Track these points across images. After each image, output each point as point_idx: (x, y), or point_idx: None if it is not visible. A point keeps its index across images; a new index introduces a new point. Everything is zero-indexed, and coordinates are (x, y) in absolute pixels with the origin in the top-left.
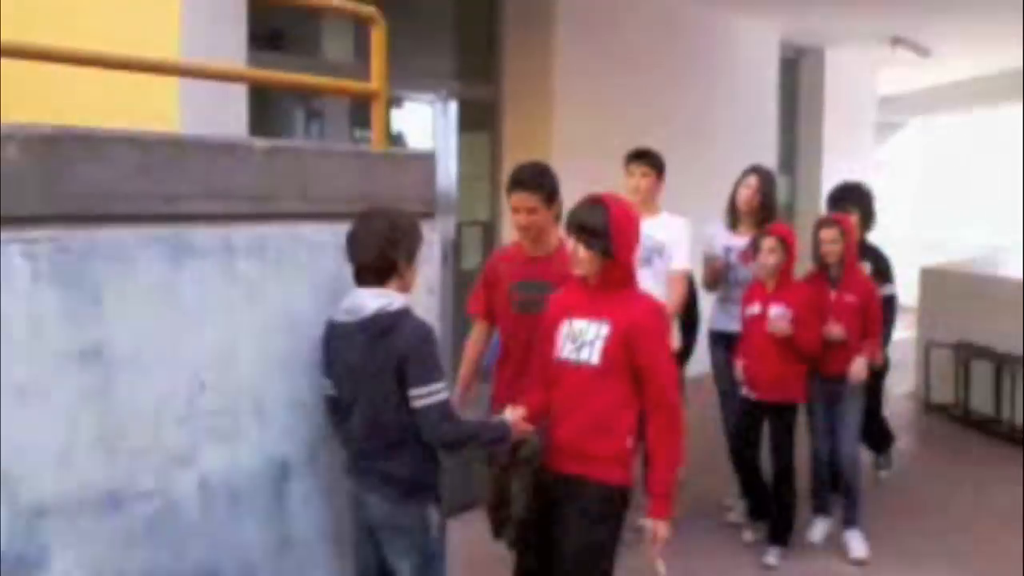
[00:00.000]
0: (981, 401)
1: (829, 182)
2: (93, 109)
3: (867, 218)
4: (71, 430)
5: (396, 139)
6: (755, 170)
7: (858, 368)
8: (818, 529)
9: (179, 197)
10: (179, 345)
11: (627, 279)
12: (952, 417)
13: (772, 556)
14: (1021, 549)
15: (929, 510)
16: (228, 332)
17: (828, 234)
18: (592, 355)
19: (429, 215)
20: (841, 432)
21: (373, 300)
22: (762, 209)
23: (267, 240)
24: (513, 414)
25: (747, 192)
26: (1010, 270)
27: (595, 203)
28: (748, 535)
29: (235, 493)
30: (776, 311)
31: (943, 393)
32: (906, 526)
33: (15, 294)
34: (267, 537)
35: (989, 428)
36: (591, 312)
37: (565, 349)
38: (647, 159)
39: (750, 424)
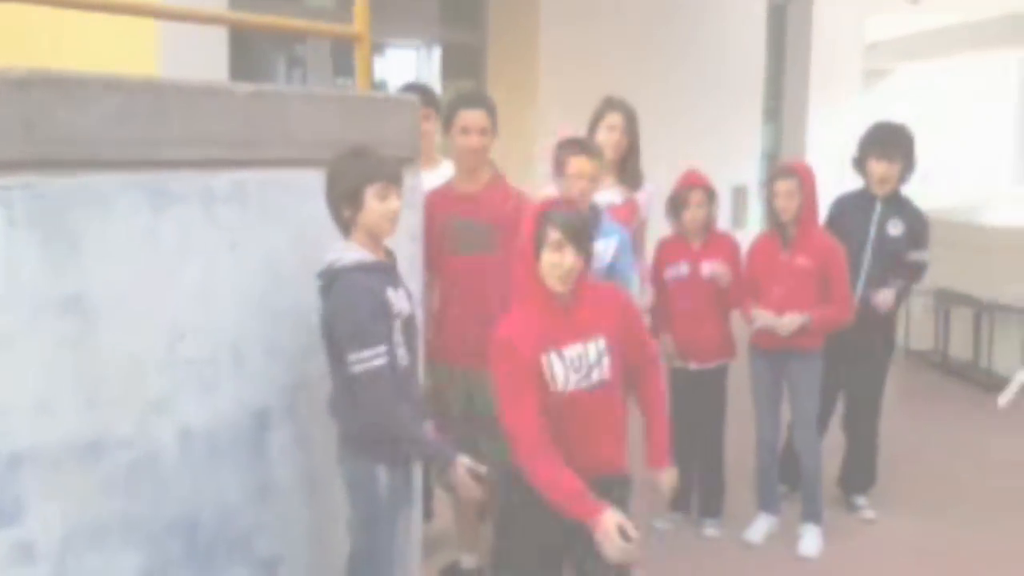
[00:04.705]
0: (960, 348)
1: (814, 130)
2: (71, 54)
3: (909, 168)
4: (49, 379)
5: (379, 87)
6: (616, 106)
7: (759, 318)
8: (759, 527)
9: (159, 142)
10: (159, 292)
11: (584, 271)
12: (931, 364)
13: (712, 527)
14: (992, 495)
15: (905, 456)
16: (208, 279)
17: (784, 186)
18: (603, 373)
19: (413, 160)
20: (794, 413)
21: (330, 253)
22: (631, 156)
23: (248, 186)
24: (467, 462)
25: (614, 135)
26: (990, 217)
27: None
28: (661, 523)
29: (214, 440)
30: (710, 268)
31: (922, 340)
32: (880, 472)
33: None
34: (246, 484)
35: (967, 375)
36: (577, 334)
37: (570, 381)
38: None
39: (692, 399)
